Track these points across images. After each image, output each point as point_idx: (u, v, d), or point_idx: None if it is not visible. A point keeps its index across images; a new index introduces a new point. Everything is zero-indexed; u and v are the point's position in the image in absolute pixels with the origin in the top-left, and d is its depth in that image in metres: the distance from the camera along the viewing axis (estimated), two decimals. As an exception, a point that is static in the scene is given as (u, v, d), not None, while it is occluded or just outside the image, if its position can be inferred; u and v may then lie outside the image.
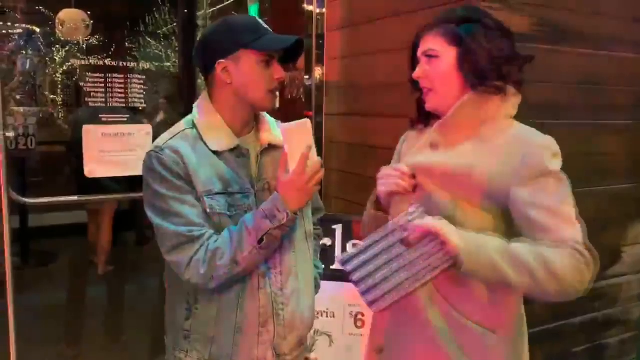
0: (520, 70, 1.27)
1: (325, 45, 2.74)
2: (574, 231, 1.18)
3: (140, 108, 2.71)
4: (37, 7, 4.23)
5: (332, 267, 2.17)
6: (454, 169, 1.23)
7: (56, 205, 2.96)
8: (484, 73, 1.20)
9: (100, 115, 2.72)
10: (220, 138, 1.32)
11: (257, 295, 1.33)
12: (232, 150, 1.32)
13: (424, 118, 1.36)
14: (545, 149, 1.21)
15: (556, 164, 1.22)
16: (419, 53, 1.29)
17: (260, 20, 1.34)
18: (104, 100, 2.55)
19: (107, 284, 3.90)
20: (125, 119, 2.57)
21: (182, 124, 1.36)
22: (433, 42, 1.25)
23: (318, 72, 2.78)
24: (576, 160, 2.19)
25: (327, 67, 2.76)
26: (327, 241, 2.19)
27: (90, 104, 2.86)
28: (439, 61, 1.24)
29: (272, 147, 1.39)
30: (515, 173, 1.18)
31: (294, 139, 1.24)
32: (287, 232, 1.32)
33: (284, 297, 1.36)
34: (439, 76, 1.25)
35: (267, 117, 1.44)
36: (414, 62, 1.32)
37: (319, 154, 2.81)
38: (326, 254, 2.20)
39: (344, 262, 1.18)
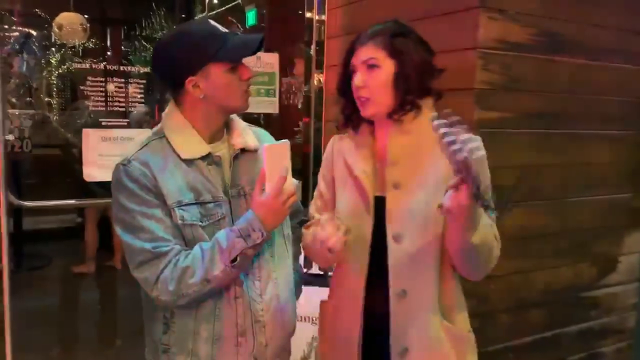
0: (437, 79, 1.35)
1: (325, 52, 2.75)
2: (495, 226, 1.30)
3: (135, 112, 2.70)
4: (34, 10, 4.23)
5: (330, 274, 2.17)
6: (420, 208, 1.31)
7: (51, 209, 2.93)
8: (412, 87, 1.30)
9: (89, 119, 2.71)
10: (191, 146, 1.29)
11: (234, 304, 1.30)
12: (203, 157, 1.30)
13: (352, 124, 1.42)
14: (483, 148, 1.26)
15: (486, 158, 1.26)
16: (357, 62, 1.34)
17: (214, 22, 1.30)
18: (102, 103, 2.53)
19: (101, 287, 3.89)
20: (125, 123, 2.56)
21: (150, 134, 1.33)
22: (374, 52, 1.31)
23: (317, 79, 2.80)
24: (572, 170, 2.22)
25: (326, 74, 2.77)
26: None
27: (82, 107, 2.86)
28: (380, 71, 1.31)
29: (245, 152, 1.37)
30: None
31: (274, 158, 1.24)
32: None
33: (263, 304, 1.34)
34: (378, 86, 1.30)
35: (238, 122, 1.42)
36: (346, 72, 1.37)
37: (318, 160, 2.84)
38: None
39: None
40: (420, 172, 1.32)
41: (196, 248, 1.25)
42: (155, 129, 1.35)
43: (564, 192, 2.18)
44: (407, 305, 1.32)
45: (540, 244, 2.14)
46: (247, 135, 1.39)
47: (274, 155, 1.24)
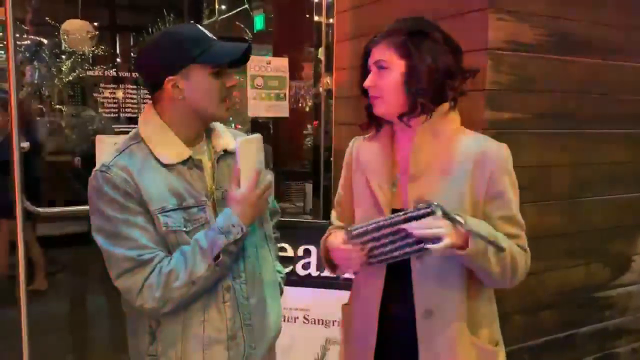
0: (463, 82, 1.32)
1: (334, 55, 2.76)
2: (525, 238, 1.31)
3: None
4: (45, 18, 4.28)
5: (342, 277, 2.18)
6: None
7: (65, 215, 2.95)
8: (424, 90, 1.26)
9: (101, 125, 2.74)
10: (171, 150, 1.26)
11: (224, 308, 1.29)
12: (184, 162, 1.27)
13: (376, 123, 1.40)
14: (507, 160, 1.30)
15: (512, 170, 1.31)
16: (370, 62, 1.32)
17: (203, 28, 1.29)
18: (114, 110, 2.56)
19: (114, 293, 3.90)
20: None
21: (128, 139, 1.30)
22: (383, 53, 1.29)
23: (327, 82, 2.80)
24: (585, 169, 2.21)
25: (335, 77, 2.77)
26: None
27: (94, 113, 2.90)
28: (389, 72, 1.28)
29: (227, 153, 1.35)
30: (484, 190, 1.27)
31: (248, 154, 1.23)
32: (249, 240, 1.30)
33: (250, 307, 1.33)
34: (388, 87, 1.28)
35: (216, 124, 1.40)
36: (365, 70, 1.35)
37: (328, 162, 2.85)
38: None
39: (350, 233, 1.23)
40: (444, 187, 1.28)
41: (177, 252, 1.23)
42: (131, 133, 1.31)
43: (576, 192, 2.17)
44: (434, 324, 1.29)
45: (552, 244, 2.13)
46: (226, 136, 1.38)
47: (247, 150, 1.24)
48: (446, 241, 1.12)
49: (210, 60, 1.23)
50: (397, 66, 1.27)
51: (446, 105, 1.30)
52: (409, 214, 1.17)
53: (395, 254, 1.22)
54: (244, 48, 1.27)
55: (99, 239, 1.23)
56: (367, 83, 1.31)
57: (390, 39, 1.28)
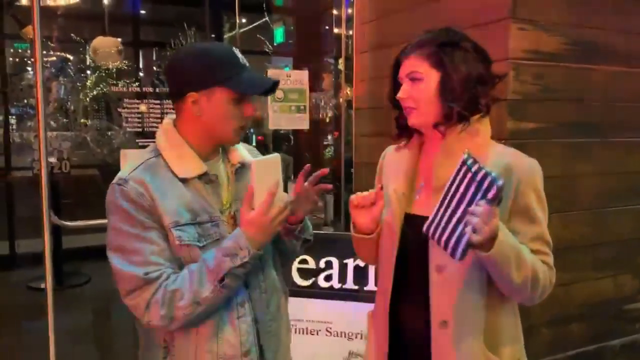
0: (493, 89, 1.31)
1: (354, 67, 2.77)
2: (551, 255, 1.28)
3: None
4: (70, 35, 4.39)
5: (365, 289, 2.18)
6: None
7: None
8: (458, 99, 1.24)
9: (124, 138, 2.78)
10: (188, 164, 1.27)
11: (238, 324, 1.28)
12: (200, 176, 1.27)
13: (407, 133, 1.39)
14: (534, 175, 1.28)
15: (540, 187, 1.28)
16: (402, 74, 1.30)
17: (238, 53, 1.28)
18: (138, 124, 2.60)
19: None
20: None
21: (145, 153, 1.30)
22: (417, 65, 1.27)
23: (347, 93, 2.82)
24: (611, 179, 2.18)
25: (356, 88, 2.79)
26: (360, 262, 2.19)
27: (118, 128, 2.95)
28: (423, 83, 1.26)
29: (244, 166, 1.35)
30: (509, 204, 1.24)
31: (263, 174, 1.22)
32: (265, 249, 1.29)
33: (270, 315, 1.34)
34: (422, 98, 1.27)
35: None
36: (395, 82, 1.33)
37: (349, 173, 2.85)
38: (361, 273, 2.20)
39: (427, 230, 1.15)
40: None
41: (184, 270, 1.23)
42: (149, 147, 1.32)
43: (602, 201, 2.14)
44: (448, 335, 1.27)
45: (579, 255, 2.09)
46: (241, 150, 1.39)
47: (263, 170, 1.22)
48: (483, 235, 1.06)
49: (235, 87, 1.24)
50: (431, 77, 1.26)
51: (477, 116, 1.29)
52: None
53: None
54: (271, 83, 1.28)
55: (110, 254, 1.23)
56: (401, 95, 1.29)
57: (422, 50, 1.28)
